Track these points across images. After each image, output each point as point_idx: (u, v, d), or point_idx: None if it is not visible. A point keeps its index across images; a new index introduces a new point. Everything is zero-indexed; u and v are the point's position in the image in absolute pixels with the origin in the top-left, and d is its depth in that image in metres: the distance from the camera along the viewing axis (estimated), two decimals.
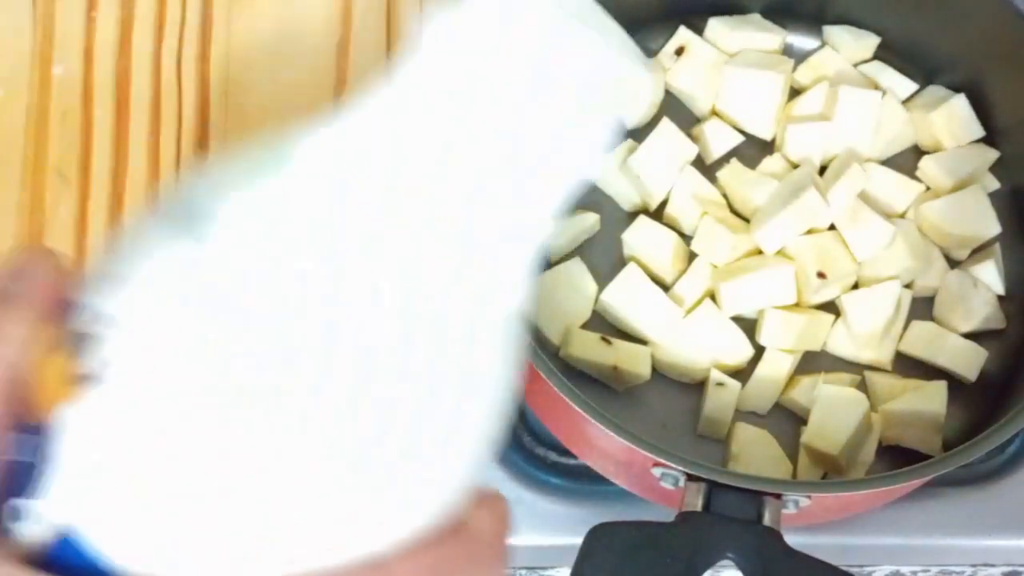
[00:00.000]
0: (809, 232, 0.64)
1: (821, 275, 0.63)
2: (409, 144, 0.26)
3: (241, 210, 0.26)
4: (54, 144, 0.70)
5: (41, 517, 0.25)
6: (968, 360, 0.64)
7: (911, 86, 0.70)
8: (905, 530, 0.64)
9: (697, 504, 0.53)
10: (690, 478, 0.54)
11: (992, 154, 0.68)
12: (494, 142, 0.25)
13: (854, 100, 0.67)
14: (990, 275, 0.65)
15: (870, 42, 0.71)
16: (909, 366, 0.65)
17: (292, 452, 0.24)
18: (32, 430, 0.26)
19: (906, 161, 0.69)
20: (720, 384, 0.62)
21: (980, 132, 0.69)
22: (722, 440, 0.63)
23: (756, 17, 0.71)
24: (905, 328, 0.65)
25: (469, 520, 0.27)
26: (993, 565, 0.66)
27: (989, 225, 0.66)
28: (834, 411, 0.61)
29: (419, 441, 0.25)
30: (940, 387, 0.62)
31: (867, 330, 0.63)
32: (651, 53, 0.70)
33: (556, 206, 0.26)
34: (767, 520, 0.53)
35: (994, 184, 0.68)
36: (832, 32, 0.71)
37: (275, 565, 0.25)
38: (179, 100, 0.71)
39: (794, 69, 0.69)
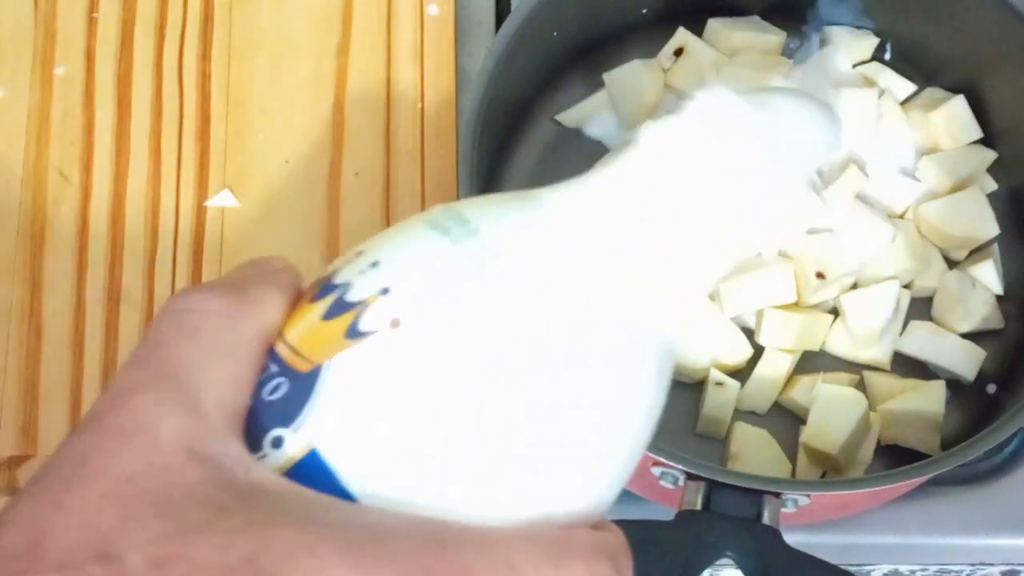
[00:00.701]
0: (808, 233, 0.64)
1: (820, 275, 0.64)
2: (627, 215, 0.32)
3: (514, 246, 0.31)
4: (55, 144, 0.70)
5: (298, 441, 0.30)
6: (967, 360, 0.64)
7: (910, 87, 0.70)
8: (904, 529, 0.65)
9: (696, 503, 0.54)
10: (689, 477, 0.54)
11: (990, 155, 0.68)
12: (691, 221, 0.32)
13: (852, 101, 0.68)
14: (988, 275, 0.65)
15: (869, 43, 0.71)
16: (908, 366, 0.65)
17: (487, 431, 0.30)
18: (277, 375, 0.31)
19: (905, 162, 0.68)
20: (719, 384, 0.62)
21: (978, 133, 0.69)
22: (721, 440, 0.63)
23: (755, 19, 0.71)
24: (904, 328, 0.65)
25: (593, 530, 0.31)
26: (992, 564, 0.66)
27: (987, 226, 0.66)
28: (833, 411, 0.61)
29: (576, 443, 0.30)
30: (938, 387, 0.62)
31: (866, 330, 0.64)
32: (651, 54, 0.71)
33: (720, 270, 0.33)
34: (766, 519, 0.53)
35: (992, 185, 0.69)
36: (831, 33, 0.71)
37: (474, 511, 0.30)
38: (180, 100, 0.71)
39: (792, 70, 0.69)
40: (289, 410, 0.30)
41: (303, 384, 0.30)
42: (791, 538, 0.53)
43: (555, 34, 0.67)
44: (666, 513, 0.54)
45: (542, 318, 0.30)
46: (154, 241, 0.68)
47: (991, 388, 0.65)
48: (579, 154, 0.69)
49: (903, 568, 0.67)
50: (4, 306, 0.66)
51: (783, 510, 0.54)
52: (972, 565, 0.66)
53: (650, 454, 0.54)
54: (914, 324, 0.65)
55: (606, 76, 0.70)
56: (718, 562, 0.53)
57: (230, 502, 0.27)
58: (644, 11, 0.70)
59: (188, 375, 0.29)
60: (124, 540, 0.26)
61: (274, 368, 0.31)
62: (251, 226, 0.68)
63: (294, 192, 0.69)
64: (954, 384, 0.64)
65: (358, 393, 0.30)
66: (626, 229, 0.32)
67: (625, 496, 0.63)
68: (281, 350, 0.31)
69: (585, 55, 0.70)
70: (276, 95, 0.71)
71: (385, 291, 0.31)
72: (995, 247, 0.67)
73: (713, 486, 0.54)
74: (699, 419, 0.63)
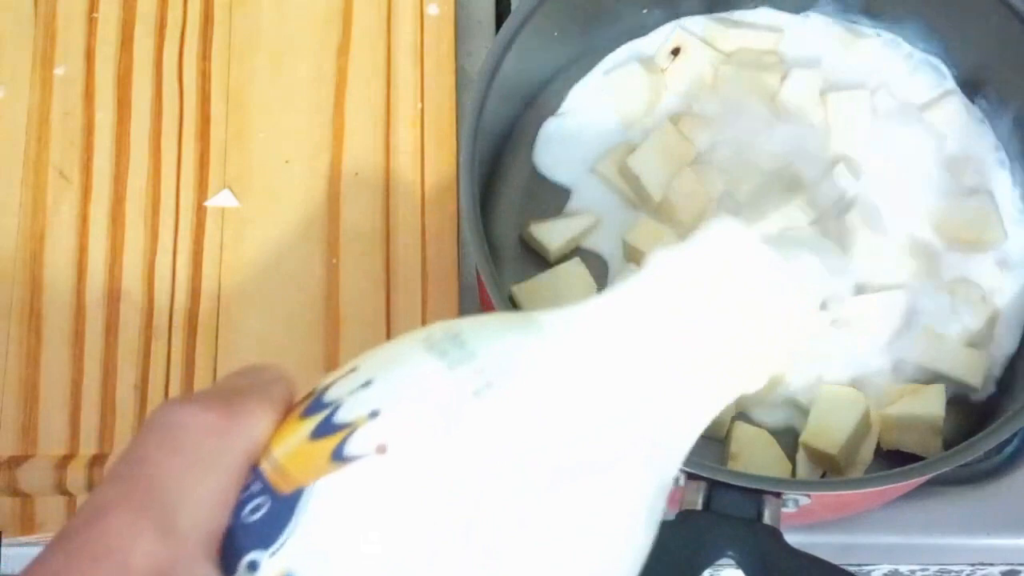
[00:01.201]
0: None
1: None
2: (629, 345, 0.31)
3: (511, 375, 0.30)
4: (55, 144, 0.70)
5: (274, 567, 0.29)
6: (969, 366, 0.63)
7: (910, 87, 0.70)
8: (904, 529, 0.65)
9: (697, 503, 0.54)
10: (690, 477, 0.54)
11: (993, 156, 0.68)
12: (697, 352, 0.31)
13: (850, 100, 0.68)
14: (992, 277, 0.65)
15: (868, 42, 0.71)
16: (907, 370, 0.65)
17: (470, 569, 0.29)
18: (259, 494, 0.30)
19: (904, 162, 0.68)
20: None
21: (980, 133, 0.69)
22: (721, 439, 0.63)
23: (753, 16, 0.71)
24: (905, 332, 0.65)
25: None
26: (992, 564, 0.66)
27: (993, 228, 0.66)
28: (833, 411, 0.61)
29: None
30: (938, 390, 0.62)
31: (867, 334, 0.64)
32: (650, 54, 0.71)
33: (720, 404, 0.32)
34: (767, 519, 0.53)
35: (994, 186, 0.69)
36: (830, 32, 0.71)
37: None
38: (180, 100, 0.71)
39: (790, 69, 0.69)
40: (267, 533, 0.29)
41: (284, 506, 0.29)
42: (791, 538, 0.53)
43: (555, 34, 0.67)
44: (666, 513, 0.54)
45: (535, 452, 0.29)
46: (154, 241, 0.68)
47: (990, 390, 0.65)
48: None
49: (903, 568, 0.67)
50: (4, 306, 0.66)
51: (783, 510, 0.54)
52: (972, 565, 0.66)
53: None
54: (915, 327, 0.65)
55: (605, 77, 0.70)
56: (718, 562, 0.53)
57: None
58: (644, 11, 0.70)
59: (167, 494, 0.29)
60: None
61: (257, 486, 0.30)
62: (251, 226, 0.68)
63: (294, 192, 0.69)
64: (953, 387, 0.64)
65: (338, 521, 0.29)
66: (628, 358, 0.31)
67: None
68: (265, 467, 0.31)
69: (585, 55, 0.70)
70: (276, 95, 0.71)
71: (374, 414, 0.30)
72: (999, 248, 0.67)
73: (713, 486, 0.54)
74: None
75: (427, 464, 0.29)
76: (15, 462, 0.63)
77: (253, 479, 0.31)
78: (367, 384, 0.31)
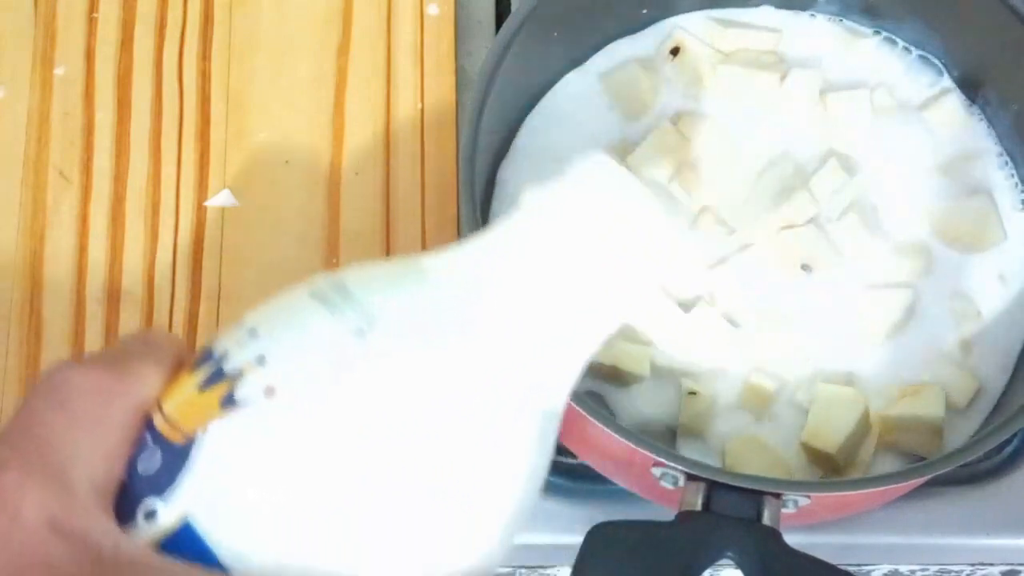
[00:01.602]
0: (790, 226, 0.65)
1: (806, 267, 0.64)
2: (505, 280, 0.32)
3: (392, 315, 0.31)
4: (55, 144, 0.70)
5: (171, 512, 0.29)
6: (958, 386, 0.63)
7: (909, 86, 0.70)
8: (904, 529, 0.65)
9: (697, 504, 0.54)
10: (690, 478, 0.54)
11: (992, 156, 0.68)
12: (571, 283, 0.32)
13: (849, 100, 0.68)
14: (992, 277, 0.65)
15: (868, 42, 0.71)
16: (905, 372, 0.65)
17: (360, 499, 0.30)
18: (152, 447, 0.31)
19: (903, 162, 0.68)
20: (692, 393, 0.62)
21: (980, 133, 0.69)
22: (718, 452, 0.63)
23: (752, 16, 0.71)
24: (903, 333, 0.65)
25: None
26: (992, 564, 0.66)
27: (993, 229, 0.66)
28: (832, 410, 0.61)
29: (455, 507, 0.30)
30: (939, 391, 0.62)
31: (866, 333, 0.64)
32: (650, 54, 0.71)
33: (601, 334, 0.33)
34: (767, 519, 0.53)
35: (994, 186, 0.68)
36: (829, 31, 0.71)
37: None
38: (180, 100, 0.71)
39: (789, 68, 0.69)
40: (162, 481, 0.30)
41: (177, 455, 0.30)
42: (791, 538, 0.53)
43: (555, 34, 0.67)
44: (666, 513, 0.54)
45: (417, 384, 0.30)
46: (154, 241, 0.68)
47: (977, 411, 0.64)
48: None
49: (903, 568, 0.67)
50: (4, 306, 0.66)
51: (783, 510, 0.54)
52: (972, 565, 0.66)
53: (650, 454, 0.54)
54: (912, 332, 0.64)
55: (604, 77, 0.70)
56: (718, 562, 0.53)
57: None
58: (644, 11, 0.70)
59: (57, 450, 0.29)
60: None
61: (149, 440, 0.31)
62: (251, 226, 0.68)
63: (294, 192, 0.69)
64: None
65: (231, 462, 0.30)
66: (504, 293, 0.32)
67: (625, 496, 0.63)
68: (157, 422, 0.31)
69: (585, 55, 0.70)
70: (276, 95, 0.71)
71: (261, 360, 0.30)
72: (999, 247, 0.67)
73: (713, 486, 0.54)
74: (677, 428, 0.62)
75: (314, 403, 0.30)
76: None
77: (145, 433, 0.31)
78: (253, 333, 0.31)
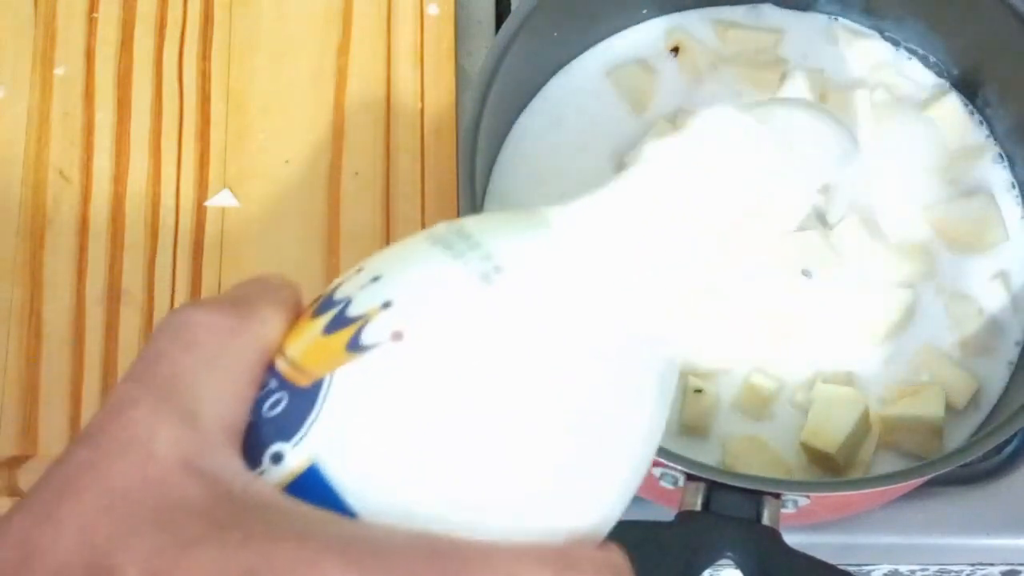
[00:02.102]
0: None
1: (806, 273, 0.64)
2: (631, 231, 0.32)
3: (518, 261, 0.31)
4: (55, 144, 0.70)
5: (298, 456, 0.29)
6: (957, 387, 0.63)
7: (909, 86, 0.70)
8: (904, 529, 0.65)
9: (696, 504, 0.54)
10: (689, 478, 0.54)
11: (993, 156, 0.68)
12: (696, 238, 0.32)
13: (849, 100, 0.68)
14: (992, 277, 0.65)
15: (868, 42, 0.71)
16: (904, 373, 0.64)
17: (490, 446, 0.29)
18: (278, 390, 0.31)
19: (903, 162, 0.68)
20: (698, 391, 0.62)
21: (980, 133, 0.69)
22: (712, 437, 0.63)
23: (753, 15, 0.71)
24: (903, 333, 0.65)
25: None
26: (992, 564, 0.66)
27: (994, 230, 0.66)
28: (832, 410, 0.61)
29: (581, 460, 0.30)
30: (938, 391, 0.62)
31: (865, 333, 0.64)
32: (648, 54, 0.71)
33: (720, 287, 0.34)
34: (766, 520, 0.53)
35: (994, 186, 0.68)
36: (829, 31, 0.71)
37: (478, 526, 0.29)
38: (180, 100, 0.71)
39: (789, 68, 0.69)
40: (289, 425, 0.30)
41: (304, 399, 0.30)
42: (791, 538, 0.53)
43: (555, 34, 0.67)
44: (666, 513, 0.54)
45: (545, 333, 0.30)
46: (154, 241, 0.68)
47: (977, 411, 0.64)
48: None
49: (903, 568, 0.67)
50: (4, 306, 0.66)
51: (783, 510, 0.54)
52: (972, 565, 0.66)
53: None
54: (912, 333, 0.64)
55: (603, 76, 0.70)
56: (718, 562, 0.53)
57: (228, 516, 0.27)
58: (644, 11, 0.70)
59: (186, 389, 0.29)
60: (119, 554, 0.26)
61: (274, 384, 0.31)
62: (251, 226, 0.68)
63: (294, 192, 0.69)
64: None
65: (359, 406, 0.29)
66: (630, 246, 0.32)
67: None
68: (281, 366, 0.31)
69: (585, 55, 0.70)
70: (276, 95, 0.71)
71: (387, 304, 0.30)
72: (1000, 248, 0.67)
73: (713, 487, 0.54)
74: (679, 425, 0.62)
75: (442, 347, 0.30)
76: (15, 462, 0.63)
77: (269, 377, 0.31)
78: (376, 279, 0.31)
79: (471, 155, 0.60)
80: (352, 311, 0.31)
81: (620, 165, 0.67)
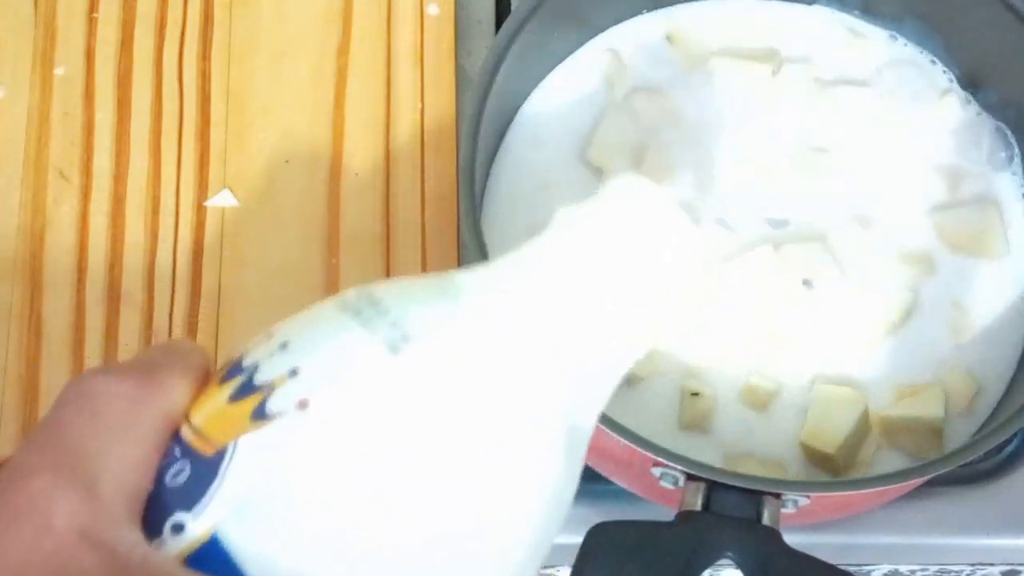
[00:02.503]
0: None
1: (807, 283, 0.64)
2: (541, 299, 0.32)
3: (426, 330, 0.31)
4: (55, 144, 0.70)
5: (199, 526, 0.29)
6: (957, 390, 0.63)
7: (909, 86, 0.70)
8: (904, 529, 0.65)
9: (696, 503, 0.54)
10: (690, 477, 0.54)
11: (993, 156, 0.68)
12: (599, 304, 0.32)
13: (847, 98, 0.68)
14: (993, 278, 0.65)
15: (867, 40, 0.71)
16: (903, 374, 0.64)
17: (393, 518, 0.29)
18: (181, 459, 0.30)
19: (903, 162, 0.68)
20: (694, 394, 0.62)
21: (981, 133, 0.68)
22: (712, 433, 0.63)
23: (750, 10, 0.71)
24: (902, 334, 0.65)
25: None
26: (992, 564, 0.66)
27: (994, 233, 0.66)
28: (831, 411, 0.61)
29: (488, 528, 0.30)
30: (938, 392, 0.62)
31: (865, 334, 0.64)
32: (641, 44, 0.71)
33: (634, 354, 0.33)
34: (766, 519, 0.53)
35: (995, 187, 0.68)
36: (827, 29, 0.71)
37: None
38: (180, 100, 0.71)
39: (784, 63, 0.69)
40: (191, 494, 0.29)
41: (207, 468, 0.30)
42: (791, 538, 0.53)
43: (555, 34, 0.67)
44: (666, 513, 0.54)
45: (450, 403, 0.30)
46: (154, 241, 0.68)
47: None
48: None
49: (903, 568, 0.67)
50: (4, 306, 0.66)
51: (783, 510, 0.54)
52: (972, 565, 0.66)
53: (650, 454, 0.54)
54: (911, 334, 0.64)
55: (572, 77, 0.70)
56: (718, 562, 0.53)
57: None
58: (644, 11, 0.70)
59: (87, 458, 0.29)
60: None
61: (178, 452, 0.31)
62: (251, 226, 0.68)
63: (294, 192, 0.69)
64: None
65: (262, 476, 0.29)
66: (537, 311, 0.31)
67: (625, 496, 0.63)
68: (186, 434, 0.31)
69: (585, 55, 0.70)
70: (276, 95, 0.71)
71: (294, 372, 0.30)
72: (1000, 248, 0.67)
73: (713, 486, 0.54)
74: (679, 425, 0.62)
75: (348, 417, 0.29)
76: None
77: (174, 446, 0.31)
78: (284, 346, 0.31)
79: (471, 155, 0.60)
80: (259, 378, 0.30)
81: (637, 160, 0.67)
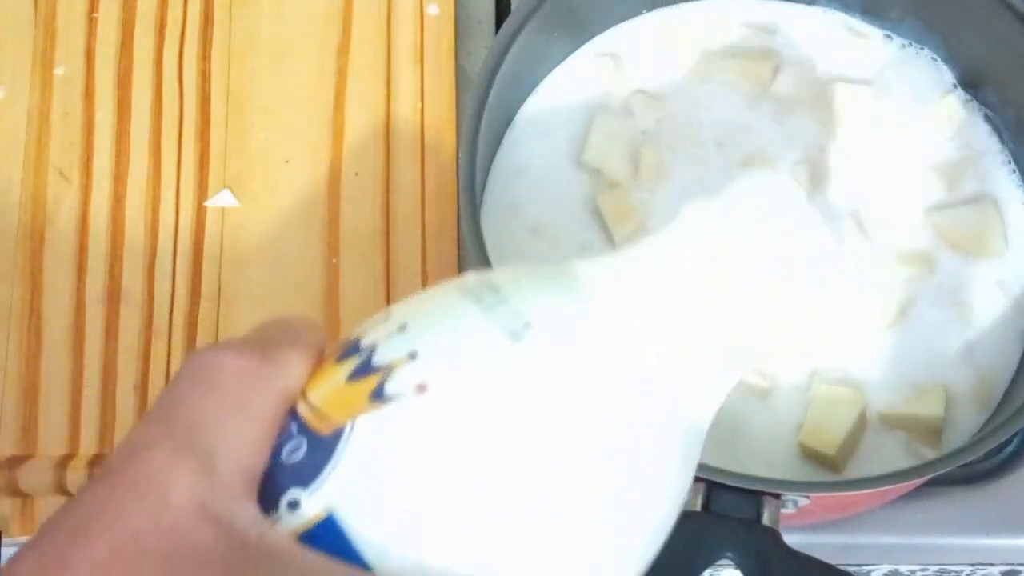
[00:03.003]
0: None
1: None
2: (666, 293, 0.32)
3: (548, 320, 0.30)
4: (55, 144, 0.70)
5: (315, 504, 0.29)
6: (961, 384, 0.63)
7: (909, 85, 0.70)
8: (904, 529, 0.65)
9: (696, 504, 0.54)
10: None
11: (995, 157, 0.68)
12: (731, 302, 0.32)
13: (847, 98, 0.67)
14: (993, 278, 0.65)
15: (867, 40, 0.71)
16: (903, 374, 0.64)
17: (508, 505, 0.29)
18: (297, 436, 0.30)
19: (902, 162, 0.68)
20: None
21: (982, 134, 0.68)
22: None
23: (750, 10, 0.71)
24: (902, 335, 0.65)
25: None
26: (992, 564, 0.66)
27: (994, 234, 0.66)
28: (830, 410, 0.61)
29: (602, 520, 0.30)
30: (938, 392, 0.62)
31: (864, 334, 0.63)
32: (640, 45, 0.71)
33: (755, 353, 0.33)
34: (766, 520, 0.53)
35: (995, 187, 0.68)
36: (827, 28, 0.71)
37: None
38: (180, 100, 0.71)
39: (784, 63, 0.69)
40: (307, 472, 0.29)
41: (323, 446, 0.30)
42: (791, 538, 0.53)
43: (555, 34, 0.67)
44: None
45: (571, 393, 0.30)
46: (154, 241, 0.68)
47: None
48: None
49: (903, 568, 0.67)
50: (4, 306, 0.66)
51: (783, 510, 0.54)
52: (972, 565, 0.66)
53: None
54: (911, 335, 0.64)
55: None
56: (718, 562, 0.53)
57: (238, 564, 0.27)
58: (645, 11, 0.70)
59: (205, 433, 0.29)
60: None
61: (294, 429, 0.31)
62: (251, 226, 0.68)
63: (294, 192, 0.69)
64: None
65: (379, 457, 0.29)
66: (662, 308, 0.31)
67: None
68: (303, 411, 0.31)
69: (584, 55, 0.70)
70: (276, 95, 0.71)
71: (413, 355, 0.30)
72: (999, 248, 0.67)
73: (713, 487, 0.54)
74: None
75: (466, 403, 0.29)
76: (15, 462, 0.63)
77: (290, 422, 0.31)
78: (403, 328, 0.31)
79: (471, 154, 0.60)
80: (377, 360, 0.30)
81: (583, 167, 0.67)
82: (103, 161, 0.70)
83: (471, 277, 0.32)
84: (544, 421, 0.29)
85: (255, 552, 0.27)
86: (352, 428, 0.29)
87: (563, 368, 0.30)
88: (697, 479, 0.54)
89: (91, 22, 0.73)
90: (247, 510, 0.29)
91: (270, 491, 0.30)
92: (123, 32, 0.72)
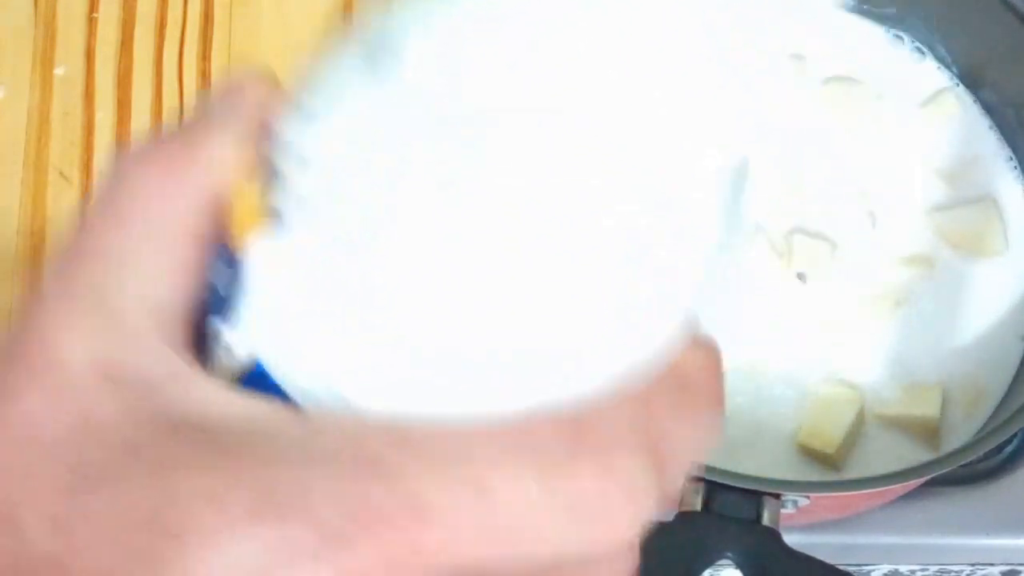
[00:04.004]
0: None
1: (801, 277, 0.64)
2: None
3: (422, 46, 0.24)
4: (55, 144, 0.70)
5: (233, 346, 0.24)
6: (961, 384, 0.63)
7: (909, 84, 0.70)
8: (903, 529, 0.65)
9: (696, 504, 0.54)
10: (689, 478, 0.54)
11: (995, 156, 0.68)
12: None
13: (847, 97, 0.67)
14: (993, 278, 0.65)
15: (868, 38, 0.71)
16: (902, 374, 0.64)
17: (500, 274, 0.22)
18: (230, 257, 0.25)
19: (903, 161, 0.68)
20: None
21: (983, 133, 0.68)
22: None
23: (751, 7, 0.71)
24: (901, 335, 0.65)
25: (679, 363, 0.23)
26: (992, 564, 0.66)
27: (995, 233, 0.66)
28: (829, 410, 0.61)
29: (641, 266, 0.23)
30: (938, 392, 0.62)
31: (863, 334, 0.64)
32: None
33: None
34: (766, 520, 0.53)
35: (997, 187, 0.68)
36: (828, 26, 0.71)
37: (462, 404, 0.22)
38: (180, 100, 0.71)
39: (783, 62, 0.69)
40: (230, 304, 0.24)
41: (238, 272, 0.24)
42: (791, 538, 0.53)
43: None
44: (665, 514, 0.54)
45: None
46: None
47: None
48: None
49: (903, 568, 0.67)
50: (4, 306, 0.66)
51: (783, 510, 0.54)
52: (972, 565, 0.66)
53: None
54: (910, 335, 0.64)
55: None
56: (718, 562, 0.53)
57: (147, 439, 0.22)
58: None
59: (107, 277, 0.24)
60: (22, 496, 0.21)
61: (223, 249, 0.25)
62: None
63: None
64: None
65: (274, 281, 0.24)
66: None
67: None
68: (234, 220, 0.25)
69: None
70: None
71: (300, 157, 0.24)
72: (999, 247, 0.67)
73: (713, 487, 0.54)
74: None
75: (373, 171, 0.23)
76: None
77: (224, 236, 0.25)
78: (300, 114, 0.25)
79: None
80: (290, 156, 0.25)
81: None
82: (103, 161, 0.70)
83: (360, 26, 0.27)
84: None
85: (173, 417, 0.22)
86: (250, 248, 0.24)
87: (434, 101, 0.23)
88: (697, 479, 0.54)
89: (91, 22, 0.73)
90: (165, 365, 0.23)
91: (209, 330, 0.24)
92: (123, 32, 0.72)
